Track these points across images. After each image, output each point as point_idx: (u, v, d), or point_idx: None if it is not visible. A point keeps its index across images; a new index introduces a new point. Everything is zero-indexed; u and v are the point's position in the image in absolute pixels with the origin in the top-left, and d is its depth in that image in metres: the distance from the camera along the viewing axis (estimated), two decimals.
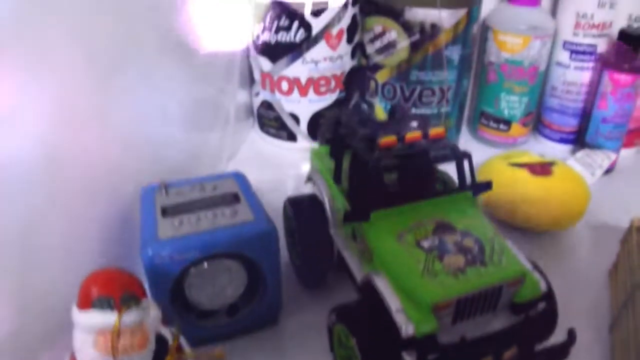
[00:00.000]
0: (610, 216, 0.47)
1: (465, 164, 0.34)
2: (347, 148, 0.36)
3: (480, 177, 0.47)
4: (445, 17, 0.47)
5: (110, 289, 0.27)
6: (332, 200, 0.38)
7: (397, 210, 0.33)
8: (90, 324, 0.27)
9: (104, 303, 0.27)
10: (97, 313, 0.26)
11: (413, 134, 0.34)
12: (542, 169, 0.46)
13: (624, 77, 0.50)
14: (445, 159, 0.35)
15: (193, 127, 0.46)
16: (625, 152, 0.56)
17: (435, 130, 0.35)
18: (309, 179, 0.41)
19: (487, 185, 0.36)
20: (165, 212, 0.35)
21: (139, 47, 0.38)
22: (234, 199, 0.36)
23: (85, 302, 0.27)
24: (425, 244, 0.31)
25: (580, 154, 0.51)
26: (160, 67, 0.41)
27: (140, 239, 0.33)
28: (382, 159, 0.33)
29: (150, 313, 0.28)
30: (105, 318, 0.26)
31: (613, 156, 0.50)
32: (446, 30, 0.48)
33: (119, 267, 0.28)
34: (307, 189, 0.41)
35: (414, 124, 0.36)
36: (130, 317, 0.27)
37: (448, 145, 0.35)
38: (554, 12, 0.55)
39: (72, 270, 0.29)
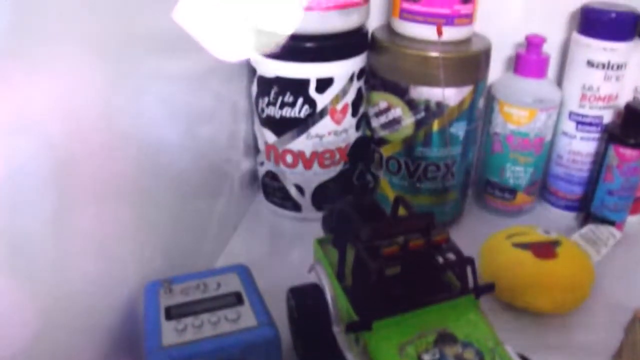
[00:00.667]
0: (614, 294, 0.46)
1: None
2: (351, 244, 0.36)
3: (482, 257, 0.48)
4: (451, 96, 0.47)
5: None
6: (335, 297, 0.38)
7: (399, 319, 0.33)
8: None
9: None
10: None
11: (416, 241, 0.34)
12: (547, 250, 0.45)
13: (629, 152, 0.50)
14: (448, 266, 0.35)
15: (199, 197, 0.47)
16: (631, 219, 0.56)
17: (439, 237, 0.35)
18: (312, 268, 0.41)
19: (490, 288, 0.36)
20: (169, 313, 0.35)
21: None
22: (237, 300, 0.36)
23: None
24: (427, 357, 0.31)
25: (586, 229, 0.51)
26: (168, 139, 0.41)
27: (145, 343, 0.33)
28: (385, 268, 0.33)
29: None
30: None
31: (618, 235, 0.50)
32: (451, 108, 0.48)
33: None
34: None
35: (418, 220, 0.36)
36: None
37: (451, 248, 0.35)
38: (560, 81, 0.55)
39: None
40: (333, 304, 0.38)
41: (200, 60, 0.44)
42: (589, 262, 0.46)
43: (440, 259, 0.36)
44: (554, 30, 0.56)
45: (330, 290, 0.38)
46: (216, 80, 0.48)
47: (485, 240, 0.49)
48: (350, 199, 0.44)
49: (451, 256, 0.36)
